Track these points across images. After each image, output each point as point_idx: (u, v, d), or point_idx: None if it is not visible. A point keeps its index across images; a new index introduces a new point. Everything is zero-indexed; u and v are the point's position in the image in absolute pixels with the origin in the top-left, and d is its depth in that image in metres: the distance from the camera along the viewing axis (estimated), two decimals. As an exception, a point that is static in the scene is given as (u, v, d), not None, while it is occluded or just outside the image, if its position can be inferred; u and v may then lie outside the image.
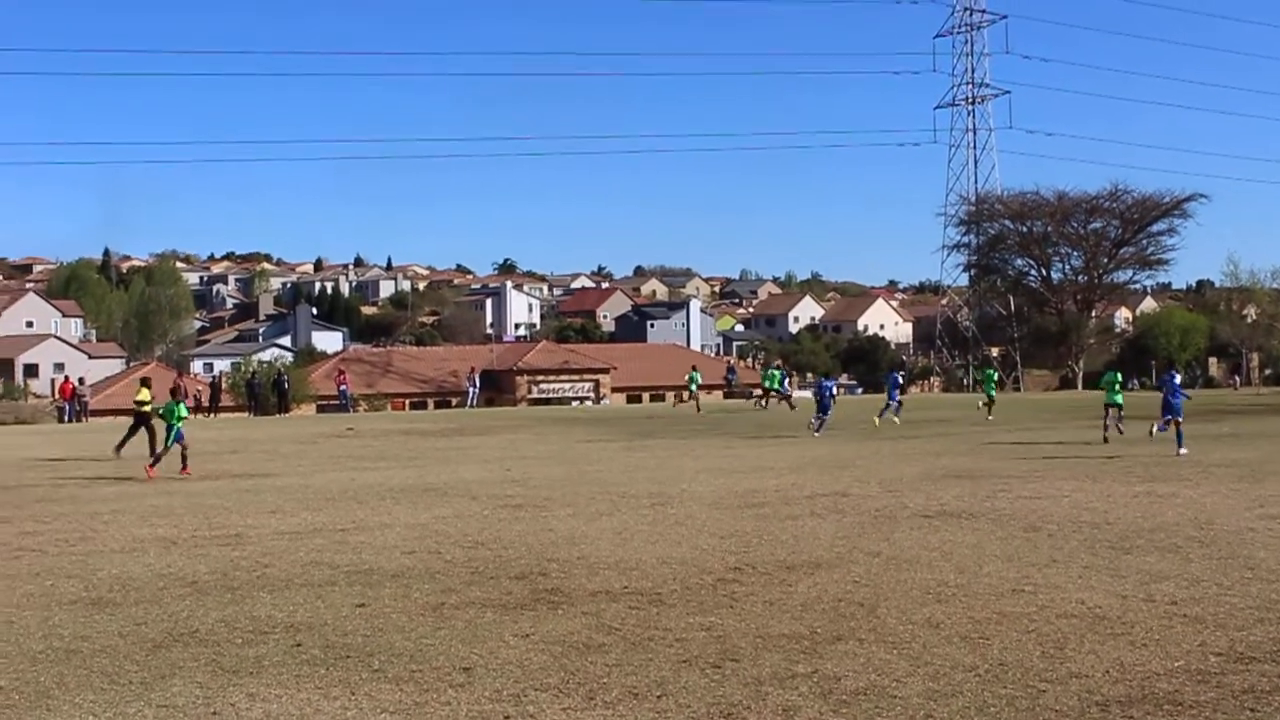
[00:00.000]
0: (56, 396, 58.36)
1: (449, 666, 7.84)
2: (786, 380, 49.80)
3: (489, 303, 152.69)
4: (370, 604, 9.77)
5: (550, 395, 75.31)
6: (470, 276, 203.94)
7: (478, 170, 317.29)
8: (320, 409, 60.37)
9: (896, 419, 33.35)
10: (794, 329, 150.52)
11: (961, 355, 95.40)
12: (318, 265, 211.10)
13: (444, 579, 10.81)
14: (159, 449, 21.88)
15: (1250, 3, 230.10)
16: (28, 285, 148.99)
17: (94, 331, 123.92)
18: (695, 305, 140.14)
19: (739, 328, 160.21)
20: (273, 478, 20.88)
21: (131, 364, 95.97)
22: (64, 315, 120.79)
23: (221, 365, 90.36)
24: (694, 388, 44.83)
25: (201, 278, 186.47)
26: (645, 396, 76.97)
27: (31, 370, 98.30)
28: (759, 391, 47.65)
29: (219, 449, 27.04)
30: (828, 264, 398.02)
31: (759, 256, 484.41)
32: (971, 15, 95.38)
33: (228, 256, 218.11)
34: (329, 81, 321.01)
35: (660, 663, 7.87)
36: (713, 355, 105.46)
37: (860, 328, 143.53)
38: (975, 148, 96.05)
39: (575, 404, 69.89)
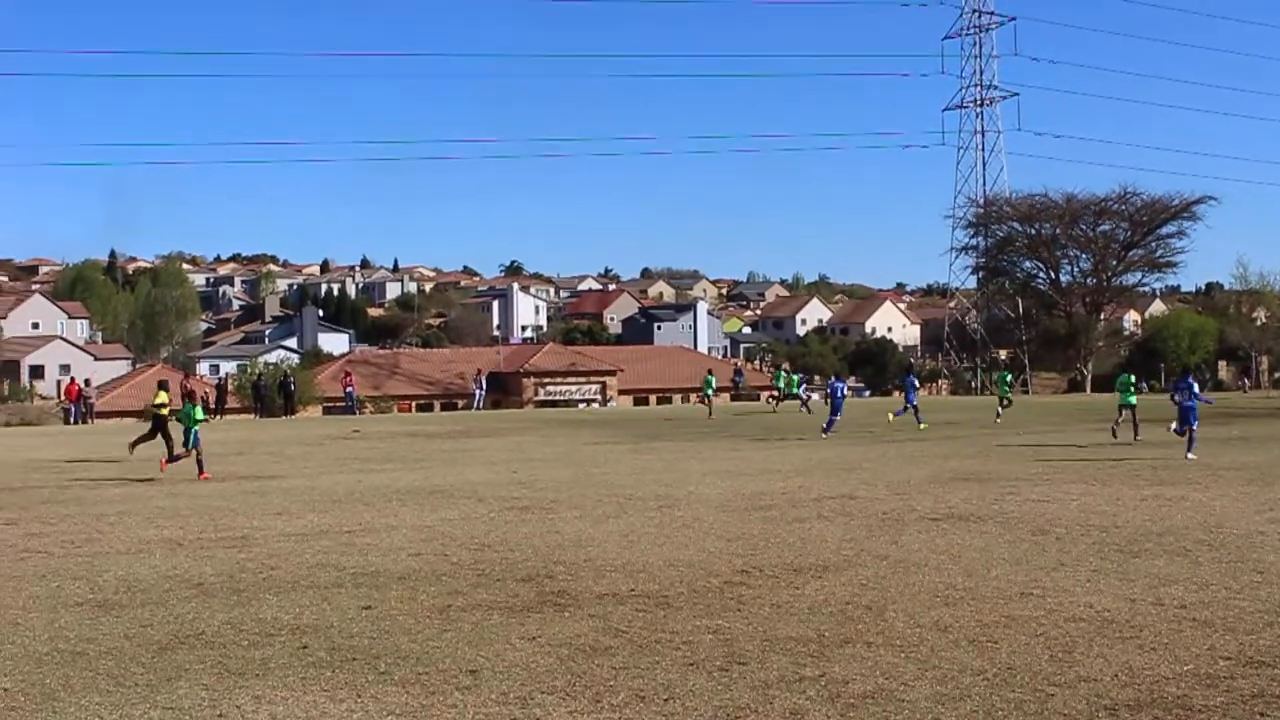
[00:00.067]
0: (62, 398, 58.41)
1: (455, 669, 7.82)
2: (804, 385, 50.01)
3: (496, 304, 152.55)
4: (376, 606, 9.75)
5: (557, 397, 75.31)
6: (477, 278, 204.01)
7: (485, 172, 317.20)
8: (326, 411, 60.40)
9: (921, 424, 32.56)
10: (801, 331, 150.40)
11: (970, 358, 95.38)
12: (324, 267, 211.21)
13: (450, 581, 10.79)
14: (176, 451, 21.98)
15: (1260, 5, 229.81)
16: (34, 287, 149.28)
17: (100, 333, 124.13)
18: (702, 307, 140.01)
19: (746, 330, 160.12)
20: (279, 479, 20.88)
21: (137, 365, 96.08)
22: (70, 317, 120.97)
23: (227, 367, 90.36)
24: (709, 391, 44.86)
25: (207, 279, 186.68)
26: (652, 399, 77.01)
27: (37, 371, 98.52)
28: (776, 395, 47.76)
29: (225, 451, 27.05)
30: (835, 266, 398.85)
31: (766, 259, 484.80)
32: (980, 17, 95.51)
33: (234, 258, 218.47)
34: (336, 83, 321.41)
35: (667, 666, 7.85)
36: (720, 358, 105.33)
37: (868, 330, 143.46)
38: (984, 150, 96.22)
39: (582, 406, 69.85)
